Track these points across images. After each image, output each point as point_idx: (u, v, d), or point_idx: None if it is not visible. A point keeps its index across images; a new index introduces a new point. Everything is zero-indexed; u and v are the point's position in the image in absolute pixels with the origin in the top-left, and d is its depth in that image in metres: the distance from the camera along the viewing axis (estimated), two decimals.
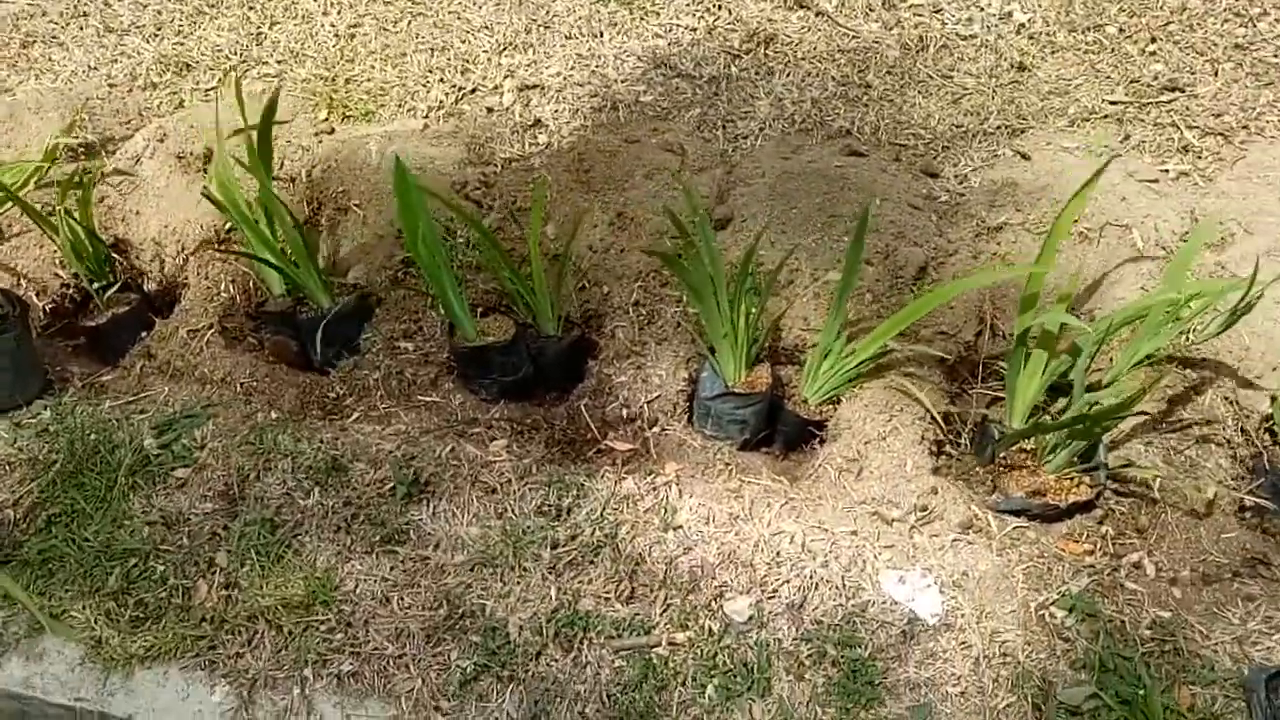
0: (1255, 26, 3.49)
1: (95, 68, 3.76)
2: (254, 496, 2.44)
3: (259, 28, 3.91)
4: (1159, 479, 2.34)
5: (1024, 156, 3.06)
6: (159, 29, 3.96)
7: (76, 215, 2.75)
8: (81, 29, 4.00)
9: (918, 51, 3.53)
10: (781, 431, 2.60)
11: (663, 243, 2.88)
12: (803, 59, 3.55)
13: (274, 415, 2.64)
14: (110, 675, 2.19)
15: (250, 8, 4.03)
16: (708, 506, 2.34)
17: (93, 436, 2.57)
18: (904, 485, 2.35)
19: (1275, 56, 3.39)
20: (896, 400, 2.48)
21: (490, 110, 3.49)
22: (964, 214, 2.93)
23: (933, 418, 2.46)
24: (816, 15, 3.70)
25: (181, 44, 3.86)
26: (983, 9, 3.69)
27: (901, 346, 2.55)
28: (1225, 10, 3.54)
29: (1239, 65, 3.36)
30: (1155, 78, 3.32)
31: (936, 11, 3.68)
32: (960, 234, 2.87)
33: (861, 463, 2.41)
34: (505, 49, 3.72)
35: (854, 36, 3.61)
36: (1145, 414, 2.41)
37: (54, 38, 3.95)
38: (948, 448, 2.52)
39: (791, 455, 2.61)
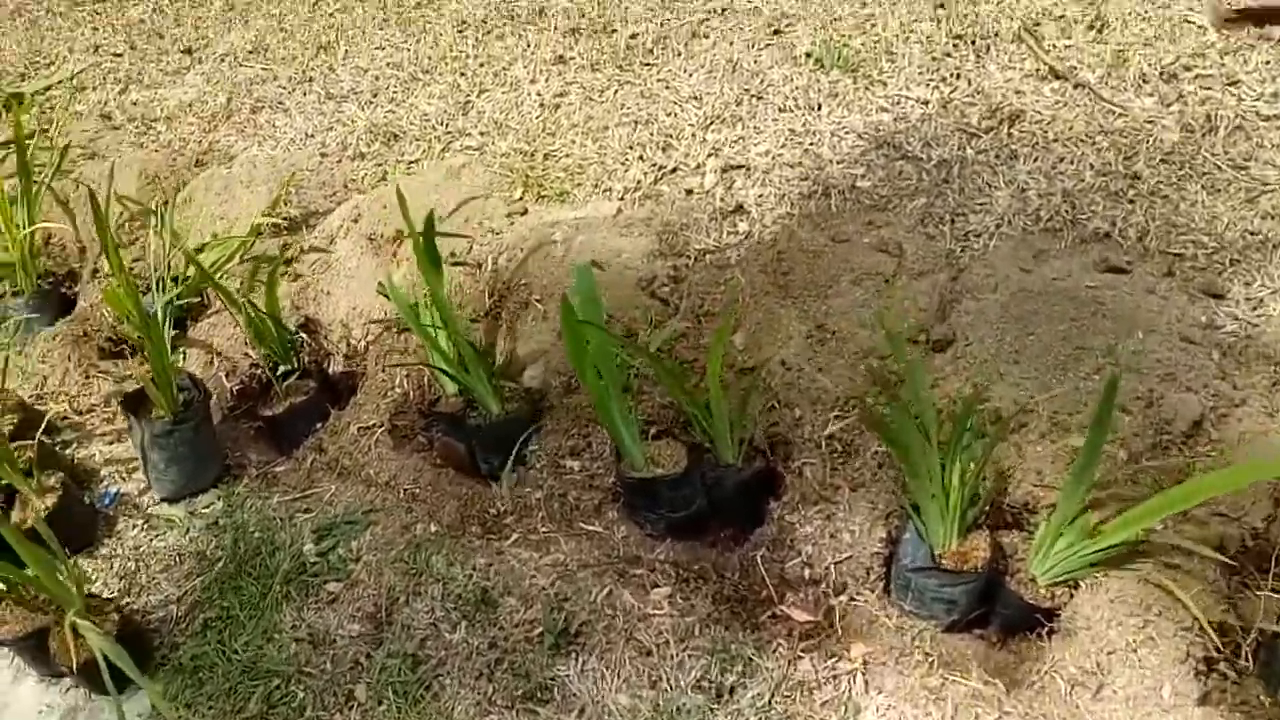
0: None
1: (312, 135, 3.91)
2: (400, 623, 2.34)
3: (467, 96, 3.93)
4: None
5: None
6: (375, 95, 4.08)
7: (261, 302, 2.80)
8: (305, 95, 4.19)
9: (1203, 135, 2.99)
10: (1000, 613, 2.20)
11: (869, 362, 2.56)
12: (1054, 141, 3.10)
13: (433, 528, 2.55)
14: None
15: (461, 74, 4.08)
16: (899, 709, 1.99)
17: (256, 535, 2.58)
18: (1159, 716, 1.89)
19: None
20: (1154, 599, 2.02)
21: (689, 192, 3.29)
22: (1257, 353, 2.40)
23: (1202, 627, 1.98)
24: (1075, 88, 3.24)
25: (393, 112, 3.95)
26: None
27: (1164, 527, 2.09)
28: None
29: None
30: None
31: (1231, 84, 3.12)
32: (1251, 379, 2.34)
33: (1102, 677, 1.97)
34: (712, 123, 3.52)
35: (1121, 114, 3.12)
36: None
37: (280, 103, 4.17)
38: (1222, 666, 2.03)
39: (1010, 644, 2.19)
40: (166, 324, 2.67)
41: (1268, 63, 3.15)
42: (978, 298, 2.60)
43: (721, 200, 3.22)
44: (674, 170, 3.39)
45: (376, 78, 4.18)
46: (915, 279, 2.76)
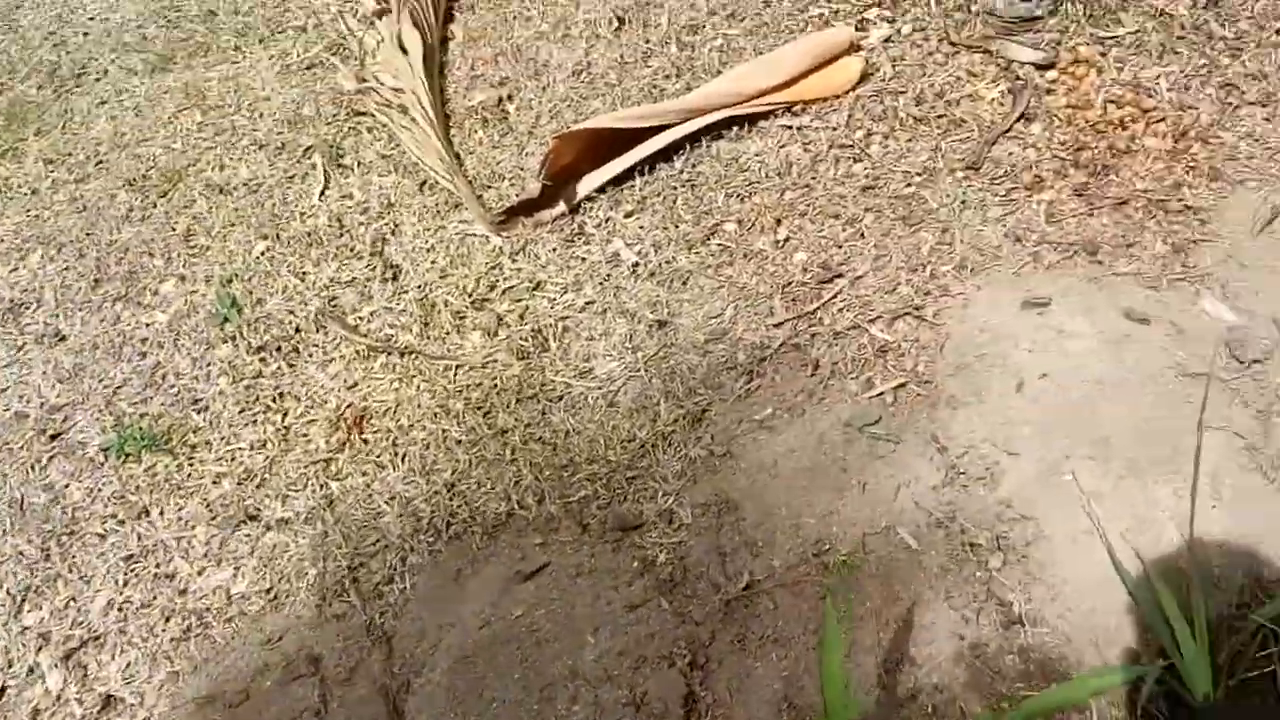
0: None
1: None
2: None
3: None
4: None
5: (723, 453, 2.63)
6: None
7: None
8: None
9: (540, 353, 3.05)
10: None
11: None
12: (411, 428, 2.97)
13: None
14: None
15: None
16: None
17: None
18: None
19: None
20: None
21: (37, 713, 2.62)
22: (695, 574, 2.43)
23: None
24: (403, 356, 3.14)
25: None
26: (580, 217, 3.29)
27: None
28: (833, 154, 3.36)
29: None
30: (803, 270, 3.04)
31: (536, 287, 3.24)
32: (704, 610, 2.36)
33: None
34: (26, 596, 2.87)
35: (459, 365, 3.08)
36: None
37: None
38: None
39: None
40: None
41: (554, 249, 3.32)
42: (421, 688, 2.32)
43: (83, 704, 2.61)
44: (2, 693, 2.69)
45: None
46: (345, 686, 2.42)
